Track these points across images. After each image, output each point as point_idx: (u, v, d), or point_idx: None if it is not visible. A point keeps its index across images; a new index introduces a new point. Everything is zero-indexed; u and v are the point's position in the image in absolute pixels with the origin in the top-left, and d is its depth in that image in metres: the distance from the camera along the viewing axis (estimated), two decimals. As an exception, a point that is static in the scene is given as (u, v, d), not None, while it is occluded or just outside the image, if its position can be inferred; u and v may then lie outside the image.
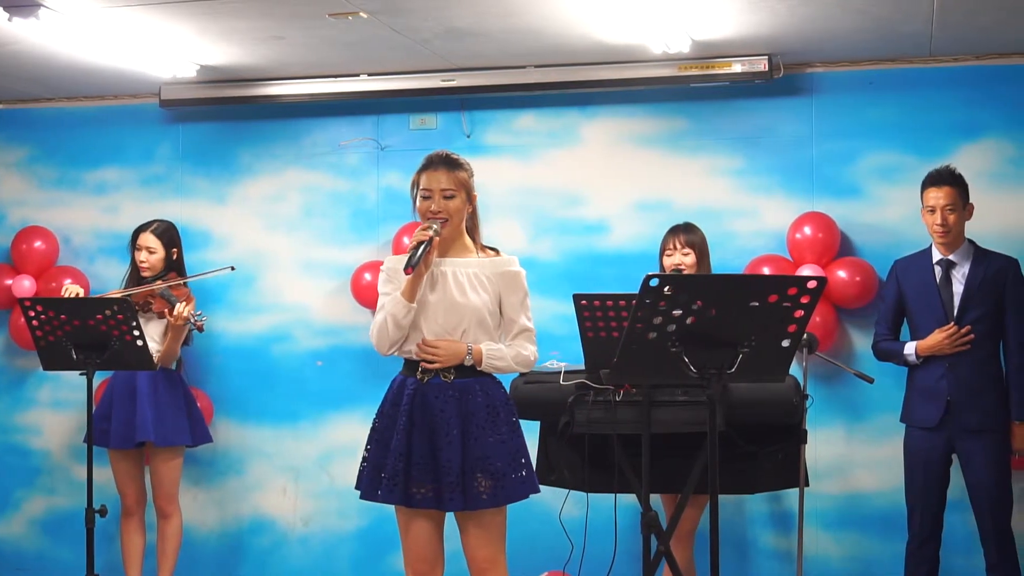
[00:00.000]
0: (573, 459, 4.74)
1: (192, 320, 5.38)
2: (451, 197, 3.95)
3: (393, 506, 3.98)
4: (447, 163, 3.99)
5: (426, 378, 3.93)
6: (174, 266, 5.71)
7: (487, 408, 3.92)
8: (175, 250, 5.72)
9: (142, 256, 5.64)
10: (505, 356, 3.97)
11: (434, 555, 3.99)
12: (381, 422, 4.00)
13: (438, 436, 3.87)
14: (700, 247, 5.10)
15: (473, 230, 4.08)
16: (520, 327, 4.02)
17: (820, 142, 5.78)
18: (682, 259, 5.05)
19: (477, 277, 3.97)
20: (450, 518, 4.02)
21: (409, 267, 3.80)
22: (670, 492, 4.97)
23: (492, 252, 4.08)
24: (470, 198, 4.02)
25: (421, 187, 3.99)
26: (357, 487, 4.04)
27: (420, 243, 3.84)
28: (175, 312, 5.38)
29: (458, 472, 3.84)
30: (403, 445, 3.88)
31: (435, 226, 3.90)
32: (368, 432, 4.05)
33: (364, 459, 4.03)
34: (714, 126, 5.90)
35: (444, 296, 3.94)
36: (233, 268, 5.84)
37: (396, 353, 4.01)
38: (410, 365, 3.99)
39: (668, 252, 5.11)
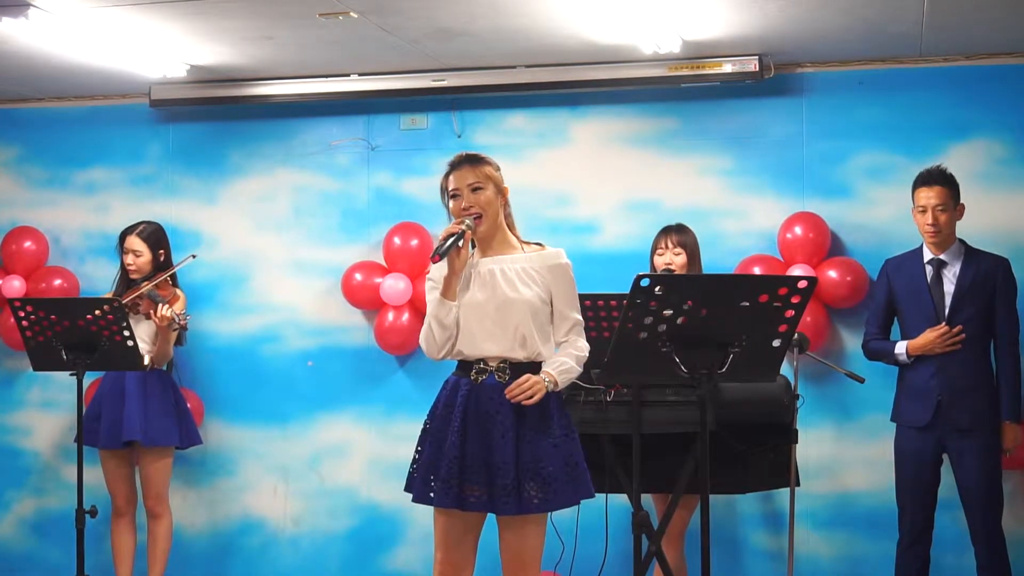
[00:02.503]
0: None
1: (176, 319, 5.37)
2: (479, 190, 3.90)
3: (419, 504, 3.90)
4: (470, 160, 3.97)
5: (480, 379, 3.87)
6: (162, 268, 5.70)
7: (540, 410, 3.83)
8: (162, 252, 5.70)
9: (129, 259, 5.64)
10: (572, 365, 3.88)
11: (465, 559, 3.94)
12: (433, 423, 3.91)
13: (492, 438, 3.79)
14: (692, 248, 5.10)
15: (512, 226, 4.05)
16: (572, 321, 3.95)
17: (810, 142, 5.78)
18: (673, 259, 5.05)
19: (526, 271, 3.92)
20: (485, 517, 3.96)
21: (436, 255, 3.78)
22: (661, 492, 4.97)
23: (537, 246, 4.03)
24: (501, 192, 3.98)
25: (450, 189, 3.96)
26: (408, 490, 3.94)
27: (451, 235, 3.81)
28: (158, 313, 5.37)
29: (513, 475, 3.76)
30: (457, 447, 3.80)
31: (468, 221, 3.87)
32: (419, 433, 3.97)
33: (415, 461, 3.94)
34: (704, 126, 5.90)
35: (494, 294, 3.87)
36: (194, 256, 5.84)
37: (448, 357, 3.93)
38: (463, 366, 3.92)
39: (659, 252, 5.10)
